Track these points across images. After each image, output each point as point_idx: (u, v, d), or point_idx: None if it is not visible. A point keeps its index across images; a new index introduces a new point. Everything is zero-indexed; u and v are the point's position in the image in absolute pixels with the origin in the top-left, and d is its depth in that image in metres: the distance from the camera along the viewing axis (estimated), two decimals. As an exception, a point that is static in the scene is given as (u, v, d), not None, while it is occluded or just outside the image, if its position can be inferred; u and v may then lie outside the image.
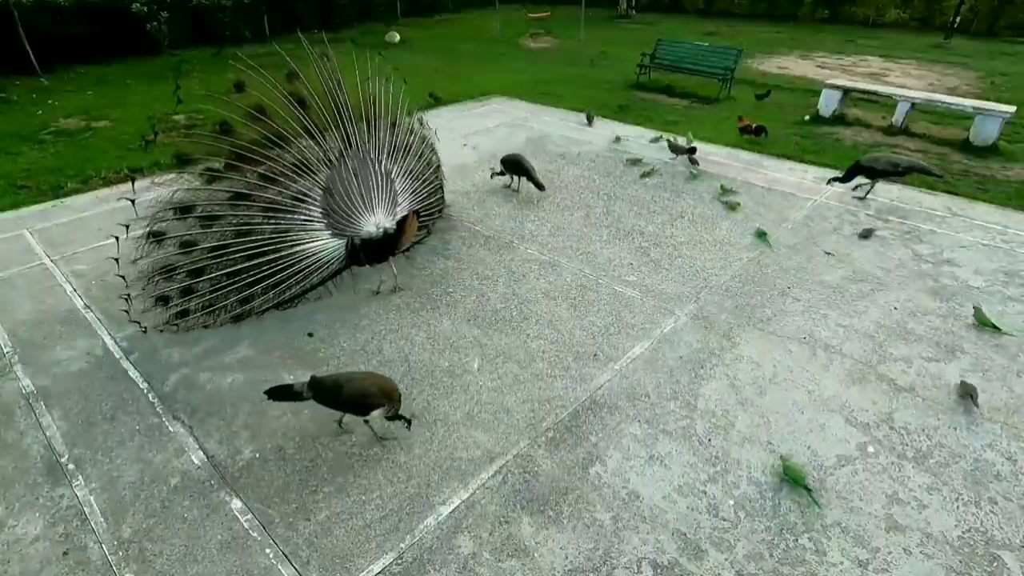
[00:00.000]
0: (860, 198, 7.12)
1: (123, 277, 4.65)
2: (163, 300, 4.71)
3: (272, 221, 4.78)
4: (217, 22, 16.34)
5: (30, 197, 7.26)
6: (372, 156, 5.41)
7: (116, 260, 4.76)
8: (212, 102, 5.43)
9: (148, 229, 4.67)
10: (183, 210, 4.74)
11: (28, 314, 5.02)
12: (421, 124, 6.35)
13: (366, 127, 5.52)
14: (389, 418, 3.65)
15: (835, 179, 7.08)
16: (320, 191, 5.02)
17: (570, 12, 22.01)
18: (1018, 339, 4.68)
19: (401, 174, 5.62)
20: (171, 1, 15.30)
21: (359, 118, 5.51)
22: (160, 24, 15.06)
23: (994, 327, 4.76)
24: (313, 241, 4.88)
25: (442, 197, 6.48)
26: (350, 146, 5.33)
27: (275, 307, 4.98)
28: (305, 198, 4.93)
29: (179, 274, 4.66)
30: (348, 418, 3.80)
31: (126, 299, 4.69)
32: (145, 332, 4.71)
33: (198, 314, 4.75)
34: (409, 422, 3.70)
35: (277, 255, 4.71)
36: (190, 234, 4.72)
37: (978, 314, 4.85)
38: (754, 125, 9.07)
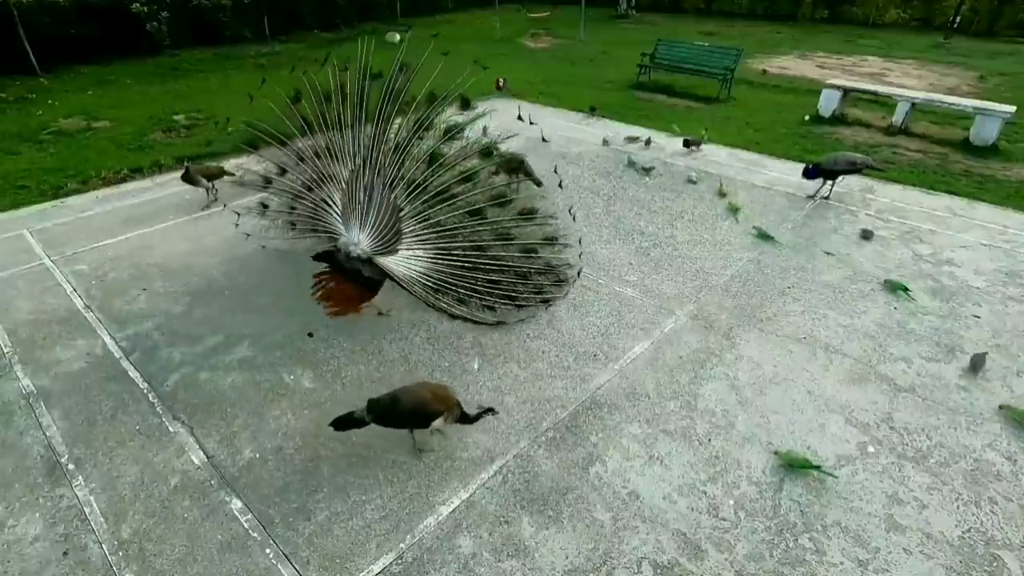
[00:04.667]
0: (825, 197, 7.16)
1: (238, 214, 6.09)
2: (264, 207, 5.75)
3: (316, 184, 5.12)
4: (217, 22, 16.33)
5: (30, 197, 7.26)
6: (385, 180, 4.76)
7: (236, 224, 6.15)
8: (277, 102, 5.83)
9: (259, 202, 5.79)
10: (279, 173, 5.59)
11: (28, 314, 5.02)
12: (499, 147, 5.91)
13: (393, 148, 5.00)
14: (472, 419, 3.56)
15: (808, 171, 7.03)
16: (344, 183, 4.94)
17: (570, 12, 22.01)
18: (1019, 339, 4.69)
19: (413, 215, 4.74)
20: (171, 1, 15.30)
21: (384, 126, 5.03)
22: (160, 24, 15.05)
23: (769, 237, 5.95)
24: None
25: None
26: (372, 161, 4.86)
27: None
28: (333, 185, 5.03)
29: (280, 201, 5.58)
30: (418, 434, 3.68)
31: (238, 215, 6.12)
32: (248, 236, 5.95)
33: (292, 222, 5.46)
34: (492, 410, 3.64)
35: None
36: (285, 186, 5.46)
37: (758, 231, 6.10)
38: (501, 82, 11.99)
